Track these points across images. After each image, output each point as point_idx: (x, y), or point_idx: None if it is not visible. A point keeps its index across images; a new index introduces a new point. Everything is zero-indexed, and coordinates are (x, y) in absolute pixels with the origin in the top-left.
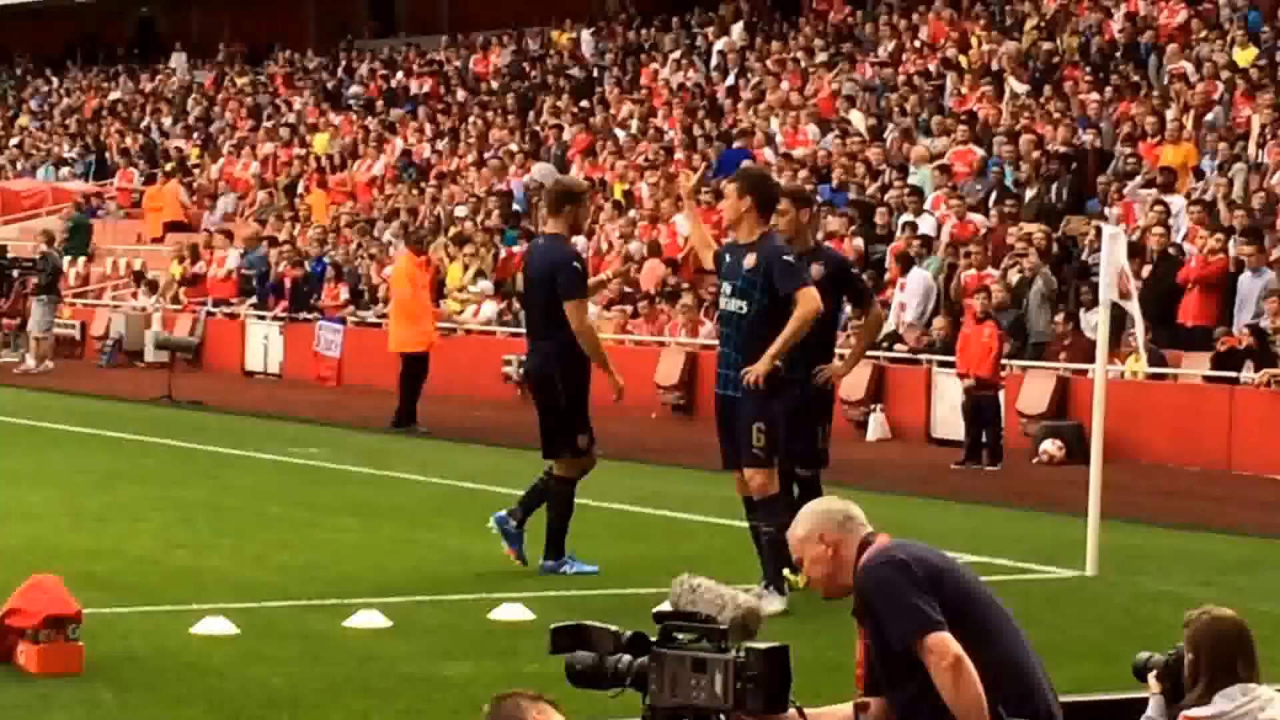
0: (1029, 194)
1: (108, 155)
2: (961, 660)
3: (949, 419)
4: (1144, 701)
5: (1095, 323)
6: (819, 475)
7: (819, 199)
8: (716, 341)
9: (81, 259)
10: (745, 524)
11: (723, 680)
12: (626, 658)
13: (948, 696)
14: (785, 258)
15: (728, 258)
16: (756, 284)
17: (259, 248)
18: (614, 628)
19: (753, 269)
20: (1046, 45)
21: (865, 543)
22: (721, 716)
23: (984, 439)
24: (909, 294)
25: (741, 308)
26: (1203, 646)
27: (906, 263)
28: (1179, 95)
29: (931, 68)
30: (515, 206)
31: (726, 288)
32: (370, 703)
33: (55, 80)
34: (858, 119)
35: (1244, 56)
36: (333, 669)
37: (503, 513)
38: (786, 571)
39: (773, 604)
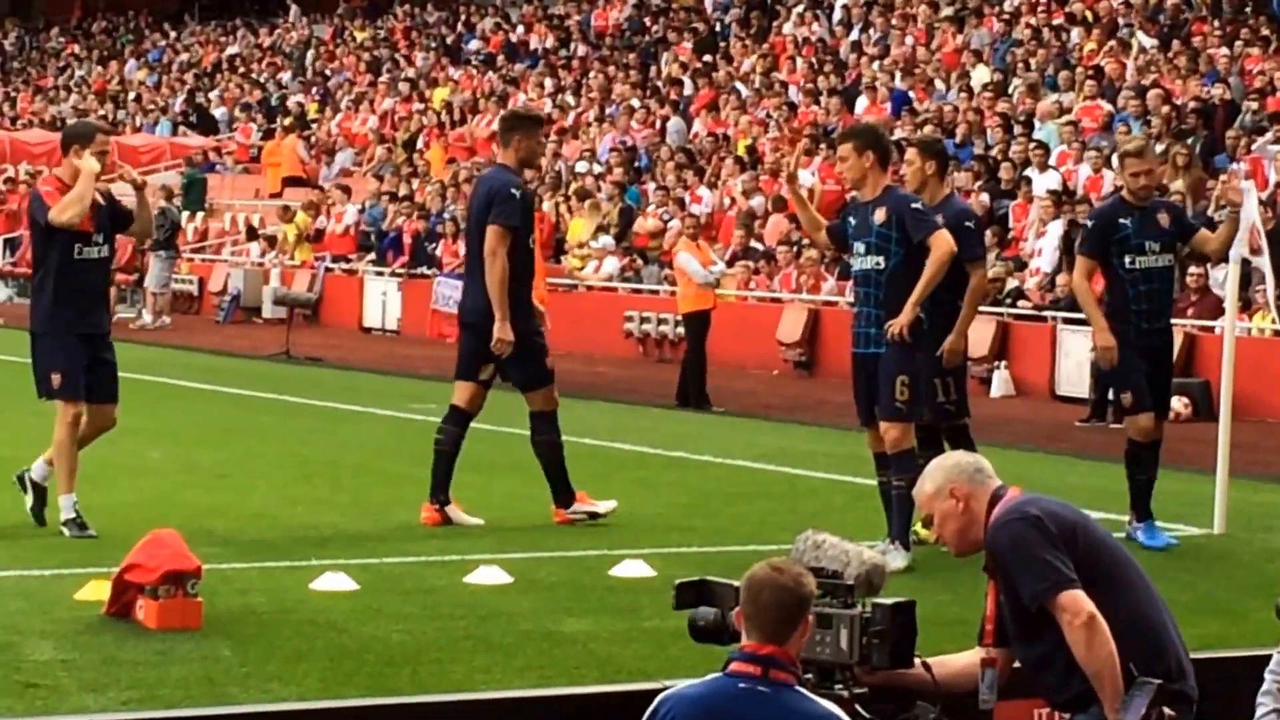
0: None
1: (225, 110)
2: (1095, 619)
3: (1074, 375)
4: (1268, 658)
5: (1223, 279)
6: (967, 425)
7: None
8: (838, 298)
9: (200, 214)
10: (867, 481)
11: (848, 635)
12: None
13: (1080, 655)
14: (914, 205)
15: (852, 220)
16: (890, 237)
17: (377, 203)
18: (737, 583)
19: (884, 223)
20: None
21: (996, 497)
22: (846, 672)
23: (1110, 396)
24: (1046, 248)
25: (879, 264)
26: None
27: (1031, 218)
28: None
29: (1057, 22)
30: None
31: (860, 247)
32: (491, 659)
33: (173, 34)
34: (982, 74)
35: None
36: (453, 625)
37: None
38: (917, 526)
39: (896, 560)
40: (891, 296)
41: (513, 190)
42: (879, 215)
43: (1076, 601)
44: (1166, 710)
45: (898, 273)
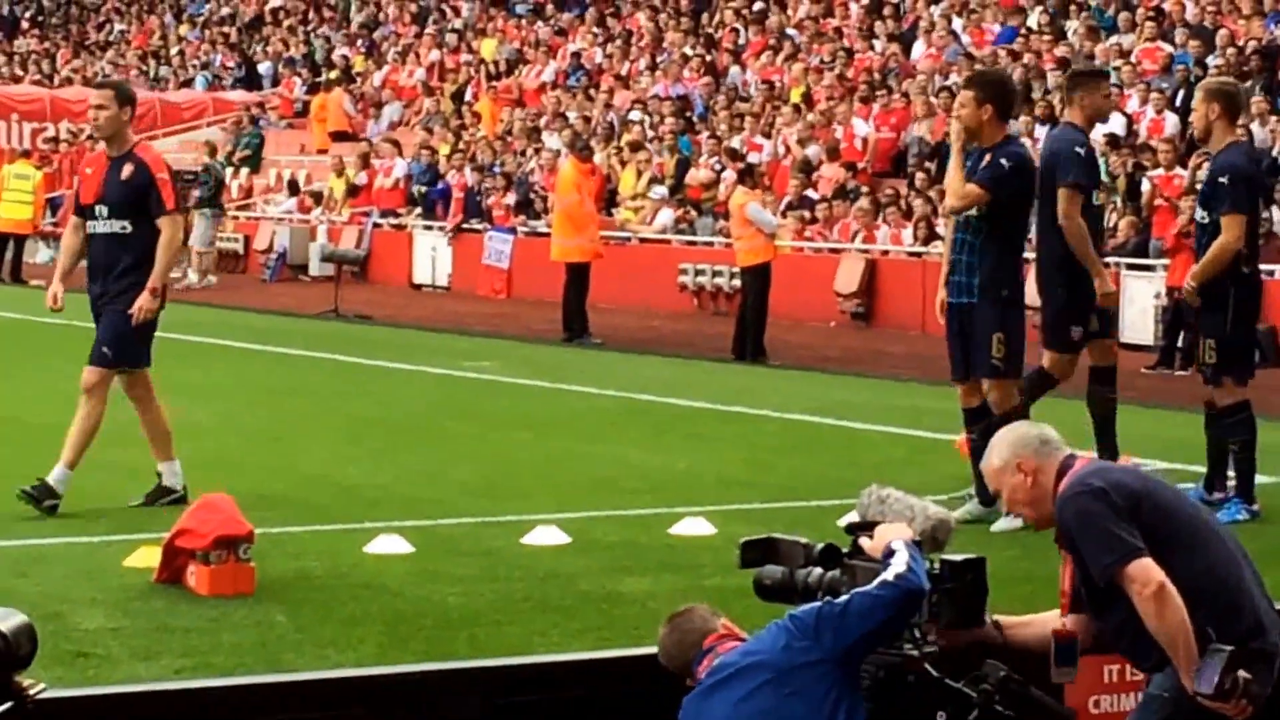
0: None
1: (269, 65)
2: (1165, 587)
3: (1137, 322)
4: None
5: None
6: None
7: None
8: (896, 248)
9: (245, 171)
10: (929, 434)
11: None
12: (817, 571)
13: (1151, 624)
14: (1001, 161)
15: (967, 164)
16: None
17: (419, 159)
18: (804, 540)
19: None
20: None
21: (1064, 468)
22: (914, 631)
23: (1179, 344)
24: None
25: (982, 209)
26: None
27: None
28: None
29: None
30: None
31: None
32: (549, 620)
33: None
34: (1036, 18)
35: None
36: (510, 586)
37: None
38: None
39: (975, 511)
40: (986, 245)
41: (1077, 149)
42: (984, 164)
43: (1146, 571)
44: (1242, 674)
45: (986, 224)
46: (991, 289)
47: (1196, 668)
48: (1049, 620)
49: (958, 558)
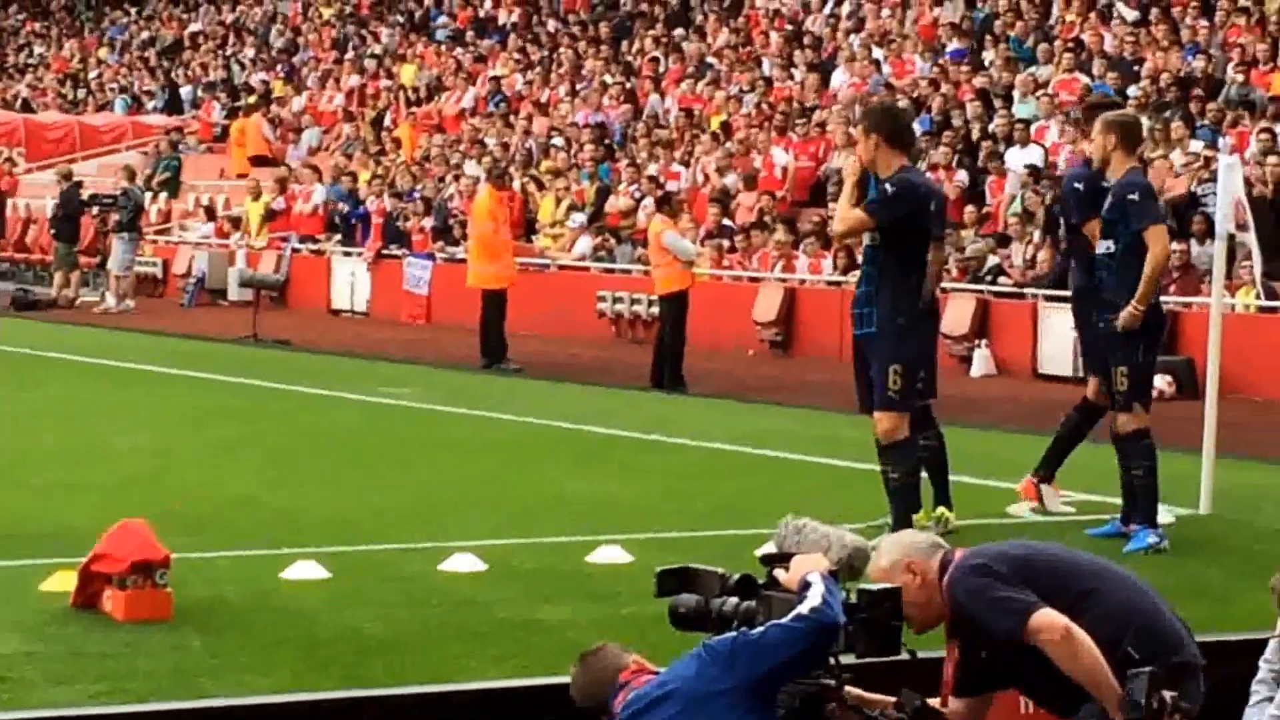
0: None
1: (189, 88)
2: (1071, 629)
3: (1056, 354)
4: (1260, 642)
5: (1204, 254)
6: (930, 406)
7: (918, 130)
8: (814, 277)
9: (164, 195)
10: (849, 463)
11: None
12: (733, 600)
13: (1067, 667)
14: (886, 187)
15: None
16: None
17: (344, 182)
18: (721, 570)
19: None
20: None
21: (945, 562)
22: (830, 659)
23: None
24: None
25: (875, 239)
26: None
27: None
28: None
29: None
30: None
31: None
32: (466, 648)
33: (133, 12)
34: (957, 46)
35: None
36: (427, 613)
37: None
38: (917, 517)
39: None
40: (882, 275)
41: (1075, 185)
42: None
43: (1049, 618)
44: (1167, 694)
45: (881, 253)
46: (889, 319)
47: (1121, 697)
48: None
49: (874, 587)
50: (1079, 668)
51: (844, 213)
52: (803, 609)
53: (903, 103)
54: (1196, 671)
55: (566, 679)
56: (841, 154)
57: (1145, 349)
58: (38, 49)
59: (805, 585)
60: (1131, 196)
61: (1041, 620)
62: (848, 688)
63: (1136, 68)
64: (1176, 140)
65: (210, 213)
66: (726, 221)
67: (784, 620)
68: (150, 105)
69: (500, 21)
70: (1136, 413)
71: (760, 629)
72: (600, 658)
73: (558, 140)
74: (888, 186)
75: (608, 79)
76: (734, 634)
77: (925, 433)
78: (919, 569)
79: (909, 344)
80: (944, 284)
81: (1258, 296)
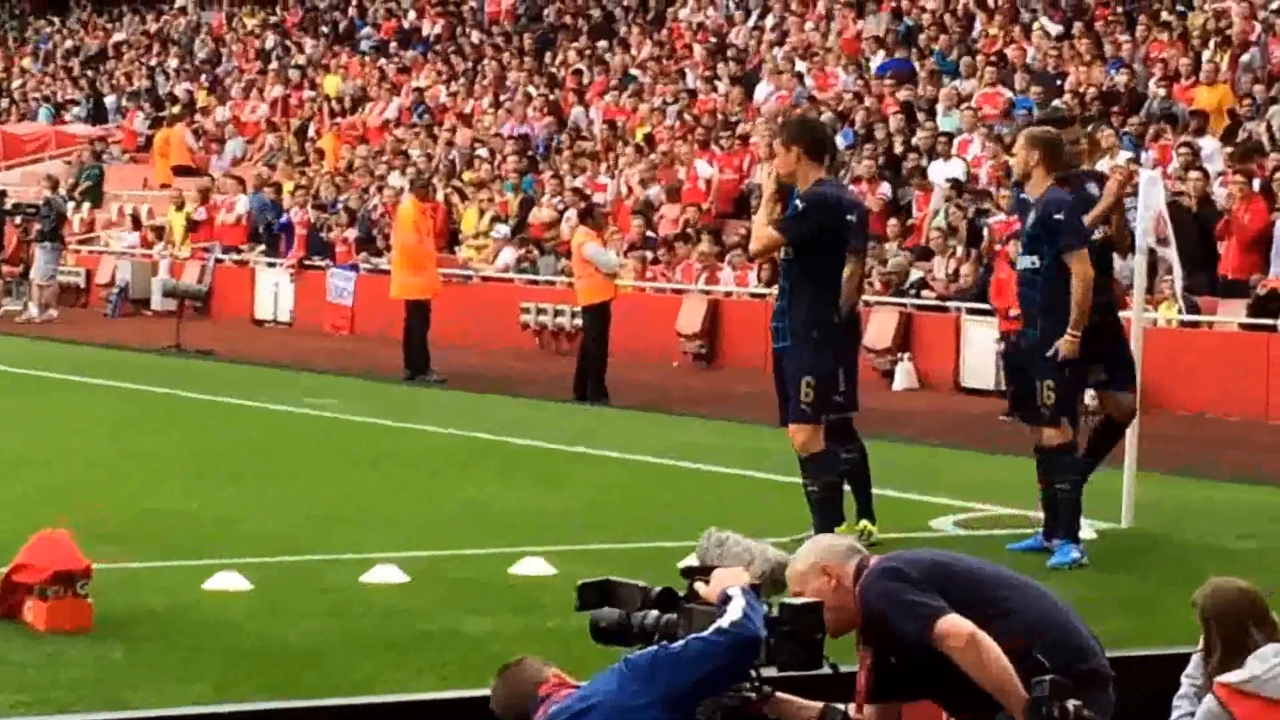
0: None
1: (113, 98)
2: (976, 634)
3: (979, 368)
4: (1183, 657)
5: (1126, 268)
6: (851, 420)
7: (841, 143)
8: (739, 289)
9: (86, 205)
10: (772, 476)
11: None
12: (654, 613)
13: (974, 674)
14: (797, 202)
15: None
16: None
17: (267, 193)
18: (642, 583)
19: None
20: None
21: (861, 566)
22: (752, 673)
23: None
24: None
25: (789, 252)
26: (1211, 618)
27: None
28: (1211, 35)
29: (960, 7)
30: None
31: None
32: (389, 658)
33: (57, 21)
34: (881, 60)
35: None
36: (350, 624)
37: None
38: (840, 529)
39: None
40: (797, 288)
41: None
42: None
43: (954, 624)
44: (1071, 703)
45: (796, 267)
46: (802, 332)
47: (1025, 703)
48: (815, 706)
49: (797, 601)
50: (985, 675)
51: (758, 231)
52: (723, 622)
53: (826, 116)
54: (1106, 682)
55: (488, 691)
56: (764, 167)
57: (1071, 364)
58: None
59: (725, 599)
60: (1058, 216)
61: (947, 626)
62: (779, 693)
63: (1059, 81)
64: (1107, 149)
65: (136, 222)
66: (650, 233)
67: (704, 634)
68: (74, 114)
69: (424, 33)
70: (1062, 427)
71: (681, 643)
72: (520, 671)
73: (481, 151)
74: (799, 203)
75: (531, 90)
76: (655, 648)
77: (847, 446)
78: (834, 572)
79: (823, 357)
80: (866, 297)
81: (1179, 311)
